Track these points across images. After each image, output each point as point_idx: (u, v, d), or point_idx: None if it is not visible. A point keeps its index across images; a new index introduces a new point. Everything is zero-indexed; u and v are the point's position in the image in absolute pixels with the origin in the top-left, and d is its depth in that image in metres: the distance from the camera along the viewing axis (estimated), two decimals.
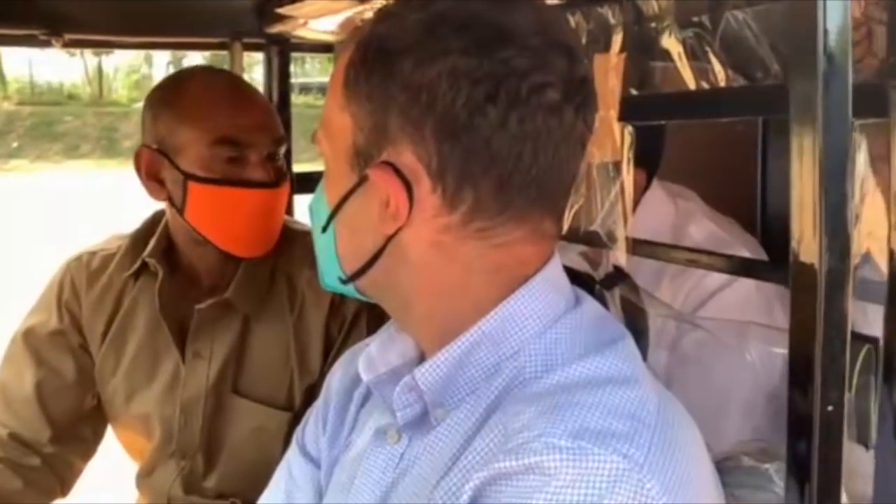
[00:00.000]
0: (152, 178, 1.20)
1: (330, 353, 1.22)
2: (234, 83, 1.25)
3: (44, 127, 21.89)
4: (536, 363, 0.66)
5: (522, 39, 0.63)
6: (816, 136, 0.52)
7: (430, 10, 0.64)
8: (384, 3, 0.71)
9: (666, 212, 1.39)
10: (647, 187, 1.36)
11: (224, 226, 1.19)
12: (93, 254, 1.30)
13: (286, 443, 0.91)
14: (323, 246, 0.73)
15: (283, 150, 1.22)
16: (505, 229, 0.66)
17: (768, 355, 1.01)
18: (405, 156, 0.64)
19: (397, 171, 0.65)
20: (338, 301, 1.22)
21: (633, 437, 0.58)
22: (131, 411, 1.26)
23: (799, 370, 0.55)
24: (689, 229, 1.35)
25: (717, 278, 1.25)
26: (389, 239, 0.67)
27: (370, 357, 0.75)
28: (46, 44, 1.42)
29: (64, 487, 1.29)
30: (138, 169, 1.20)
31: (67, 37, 1.44)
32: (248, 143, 1.17)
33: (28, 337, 1.28)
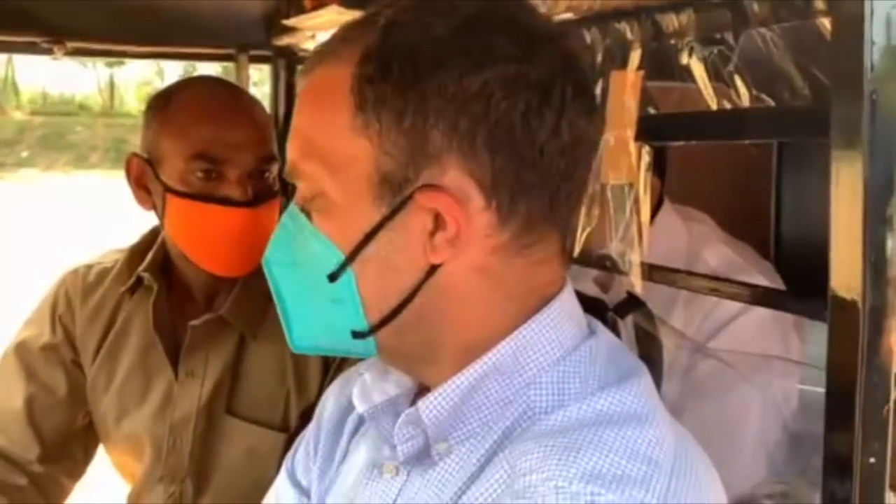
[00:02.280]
0: (140, 187, 1.20)
1: (329, 373, 1.18)
2: (225, 96, 1.20)
3: (55, 137, 21.99)
4: (548, 397, 0.62)
5: (554, 42, 0.61)
6: (861, 163, 0.47)
7: (459, 14, 0.60)
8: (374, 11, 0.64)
9: (679, 235, 1.35)
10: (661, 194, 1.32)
11: (199, 242, 1.16)
12: (89, 267, 1.27)
13: (280, 466, 0.87)
14: (325, 301, 0.64)
15: (273, 167, 1.17)
16: (546, 243, 0.63)
17: (786, 390, 0.96)
18: (451, 173, 0.59)
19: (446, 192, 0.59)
20: None
21: (650, 483, 0.55)
22: (122, 431, 1.22)
23: (837, 414, 0.51)
24: (704, 254, 1.31)
25: (732, 305, 1.20)
26: (430, 271, 0.61)
27: (365, 386, 0.71)
28: (48, 51, 1.40)
29: None
30: (128, 175, 1.20)
31: (70, 45, 1.42)
32: (226, 160, 1.13)
33: (20, 350, 1.24)
